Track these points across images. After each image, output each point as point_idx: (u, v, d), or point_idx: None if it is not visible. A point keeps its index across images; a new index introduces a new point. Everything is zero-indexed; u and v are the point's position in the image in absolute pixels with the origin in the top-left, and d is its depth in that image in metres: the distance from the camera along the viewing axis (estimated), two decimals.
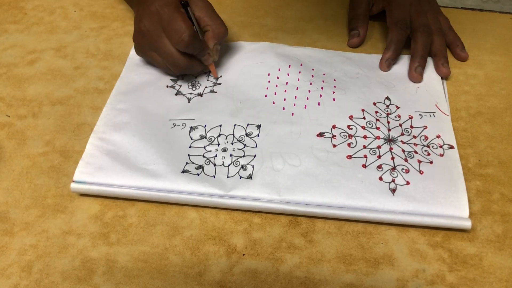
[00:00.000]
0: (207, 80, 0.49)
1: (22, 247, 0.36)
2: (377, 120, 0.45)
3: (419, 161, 0.41)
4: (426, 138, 0.43)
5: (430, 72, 0.50)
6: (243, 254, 0.36)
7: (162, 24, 0.43)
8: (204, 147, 0.42)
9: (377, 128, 0.44)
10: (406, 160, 0.41)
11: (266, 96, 0.47)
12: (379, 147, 0.42)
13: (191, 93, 0.47)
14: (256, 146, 0.42)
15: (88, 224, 0.38)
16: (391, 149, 0.42)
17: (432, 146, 0.42)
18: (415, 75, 0.48)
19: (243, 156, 0.41)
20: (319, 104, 0.46)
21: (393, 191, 0.39)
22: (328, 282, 0.35)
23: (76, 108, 0.47)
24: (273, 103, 0.46)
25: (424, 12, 0.51)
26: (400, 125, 0.44)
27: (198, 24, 0.46)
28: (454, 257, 0.36)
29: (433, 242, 0.37)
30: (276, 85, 0.48)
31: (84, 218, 0.38)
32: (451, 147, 0.42)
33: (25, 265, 0.35)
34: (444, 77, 0.50)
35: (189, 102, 0.46)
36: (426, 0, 0.53)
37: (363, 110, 0.45)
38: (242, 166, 0.40)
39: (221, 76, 0.49)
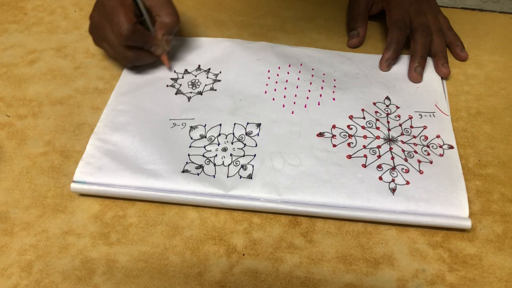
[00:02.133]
0: (207, 77, 0.49)
1: (22, 247, 0.36)
2: (377, 120, 0.45)
3: (419, 161, 0.41)
4: (426, 138, 0.43)
5: (430, 72, 0.50)
6: (243, 254, 0.36)
7: (105, 16, 0.43)
8: (204, 147, 0.42)
9: (377, 128, 0.44)
10: (406, 160, 0.41)
11: (266, 92, 0.47)
12: (379, 147, 0.42)
13: (191, 92, 0.47)
14: (256, 146, 0.42)
15: (88, 224, 0.38)
16: (391, 149, 0.42)
17: (432, 146, 0.42)
18: (415, 75, 0.48)
19: (243, 155, 0.41)
20: (319, 104, 0.46)
21: (393, 190, 0.39)
22: (328, 282, 0.35)
23: (76, 108, 0.47)
24: (273, 99, 0.46)
25: (424, 12, 0.51)
26: (400, 125, 0.44)
27: (150, 14, 0.46)
28: (454, 257, 0.36)
29: (433, 242, 0.37)
30: (276, 82, 0.48)
31: (84, 218, 0.38)
32: (451, 147, 0.42)
33: (25, 265, 0.35)
34: (444, 77, 0.50)
35: (189, 101, 0.46)
36: (425, 0, 0.53)
37: (363, 110, 0.45)
38: (242, 166, 0.40)
39: (220, 73, 0.49)
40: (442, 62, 0.49)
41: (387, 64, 0.50)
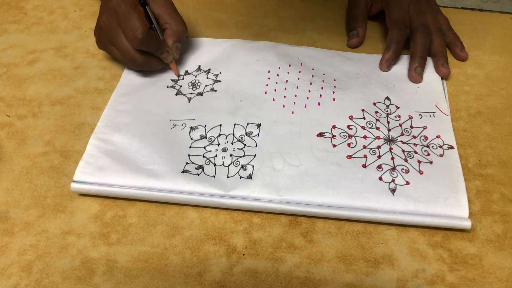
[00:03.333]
0: (207, 78, 0.49)
1: (22, 247, 0.36)
2: (377, 120, 0.45)
3: (419, 161, 0.41)
4: (426, 138, 0.43)
5: (430, 72, 0.50)
6: (243, 254, 0.36)
7: (118, 20, 0.44)
8: (204, 147, 0.42)
9: (377, 128, 0.44)
10: (406, 160, 0.41)
11: (266, 93, 0.47)
12: (379, 147, 0.42)
13: (191, 93, 0.47)
14: (256, 146, 0.42)
15: (88, 224, 0.38)
16: (391, 149, 0.42)
17: (432, 146, 0.42)
18: (415, 75, 0.48)
19: (243, 156, 0.41)
20: (319, 104, 0.46)
21: (393, 191, 0.39)
22: (328, 282, 0.35)
23: (76, 108, 0.47)
24: (273, 100, 0.46)
25: (423, 12, 0.51)
26: (400, 125, 0.44)
27: (158, 22, 0.47)
28: (454, 257, 0.36)
29: (433, 242, 0.37)
30: (276, 82, 0.48)
31: (84, 218, 0.38)
32: (451, 147, 0.42)
33: (25, 265, 0.35)
34: (444, 77, 0.50)
35: (189, 101, 0.46)
36: (425, 0, 0.53)
37: (363, 110, 0.45)
38: (242, 166, 0.40)
39: (220, 73, 0.49)
40: (442, 62, 0.49)
41: (387, 64, 0.50)
